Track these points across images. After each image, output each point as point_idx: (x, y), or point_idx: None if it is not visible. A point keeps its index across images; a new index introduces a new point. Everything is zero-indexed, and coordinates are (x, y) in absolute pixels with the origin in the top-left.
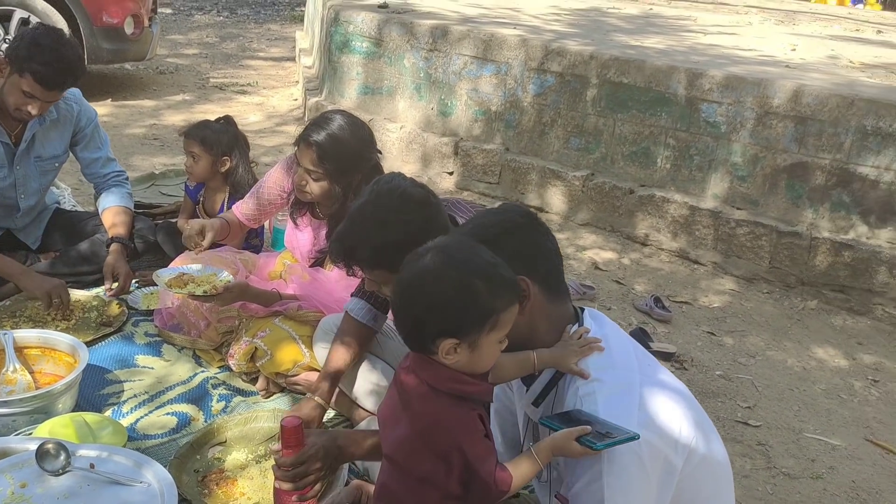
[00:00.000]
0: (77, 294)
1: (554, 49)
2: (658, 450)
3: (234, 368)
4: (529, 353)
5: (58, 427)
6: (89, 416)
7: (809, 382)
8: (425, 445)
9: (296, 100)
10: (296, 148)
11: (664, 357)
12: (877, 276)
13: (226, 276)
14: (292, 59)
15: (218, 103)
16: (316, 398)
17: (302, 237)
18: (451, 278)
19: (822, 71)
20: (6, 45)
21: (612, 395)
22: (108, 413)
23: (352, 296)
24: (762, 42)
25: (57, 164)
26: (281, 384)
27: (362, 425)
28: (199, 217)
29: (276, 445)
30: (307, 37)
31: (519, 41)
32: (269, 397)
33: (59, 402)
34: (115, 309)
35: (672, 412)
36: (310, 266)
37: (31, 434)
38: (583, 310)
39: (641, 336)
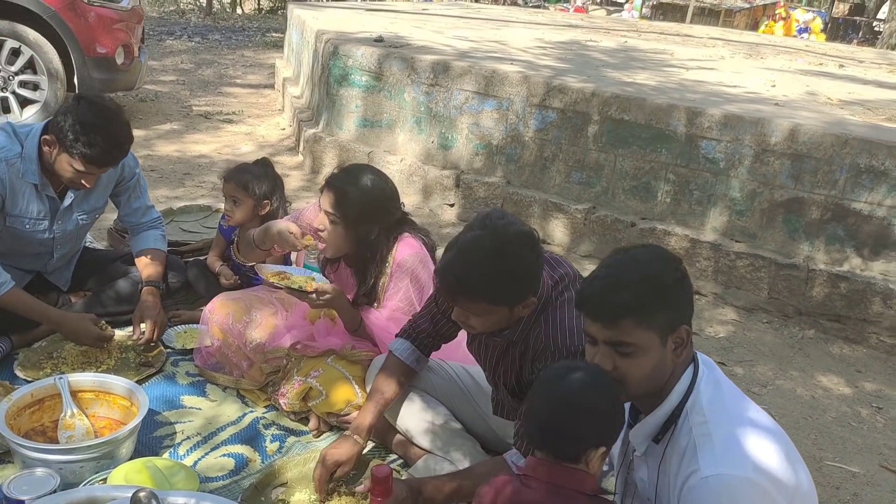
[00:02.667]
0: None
1: (555, 86)
2: (769, 494)
3: (284, 408)
4: None
5: (132, 473)
6: (159, 462)
7: (820, 411)
8: None
9: (283, 129)
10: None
11: None
12: (871, 306)
13: (322, 280)
14: (271, 87)
15: (207, 132)
16: (354, 437)
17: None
18: (607, 394)
19: (810, 109)
20: (52, 123)
21: (727, 438)
22: (166, 455)
23: (396, 336)
24: (741, 77)
25: (97, 215)
26: (332, 423)
27: (419, 464)
28: (231, 257)
29: (361, 487)
30: (290, 66)
31: (520, 78)
32: (319, 436)
33: (123, 447)
34: (154, 349)
35: (777, 455)
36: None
37: (104, 480)
38: (696, 353)
39: None
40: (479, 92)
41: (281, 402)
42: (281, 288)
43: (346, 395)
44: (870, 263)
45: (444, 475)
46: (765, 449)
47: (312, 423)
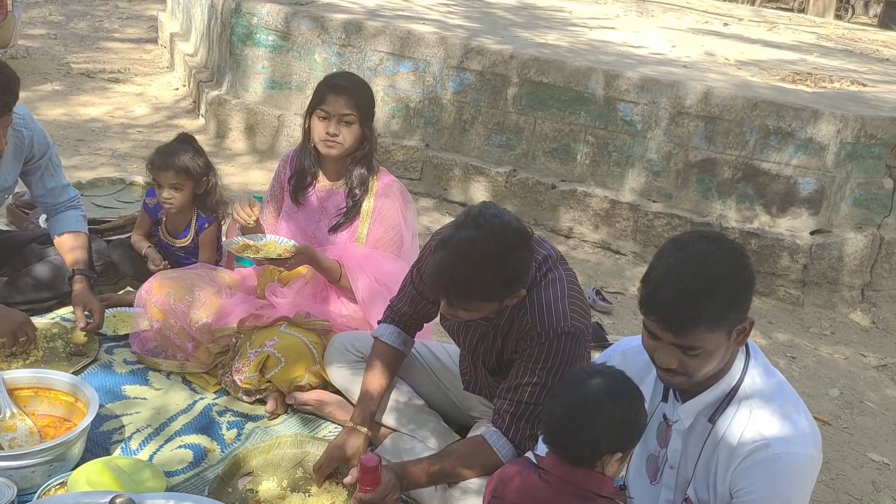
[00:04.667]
0: (35, 322)
1: (473, 48)
2: (818, 466)
3: (240, 384)
4: None
5: (94, 475)
6: (120, 461)
7: None
8: None
9: (176, 89)
10: (319, 105)
11: None
12: (780, 260)
13: (288, 242)
14: (153, 41)
15: (94, 94)
16: (359, 428)
17: (303, 215)
18: (625, 403)
19: (714, 70)
20: None
21: (789, 417)
22: (118, 451)
23: (379, 322)
24: (642, 37)
25: (6, 196)
26: (289, 403)
27: (387, 443)
28: (161, 238)
29: (349, 479)
30: (176, 19)
31: (437, 39)
32: (276, 419)
33: (75, 447)
34: (81, 336)
35: (814, 423)
36: (329, 232)
37: (63, 485)
38: None
39: (599, 331)
40: (394, 53)
41: (236, 378)
42: (260, 260)
43: (304, 360)
44: (777, 220)
45: (425, 458)
46: (811, 422)
47: (269, 405)
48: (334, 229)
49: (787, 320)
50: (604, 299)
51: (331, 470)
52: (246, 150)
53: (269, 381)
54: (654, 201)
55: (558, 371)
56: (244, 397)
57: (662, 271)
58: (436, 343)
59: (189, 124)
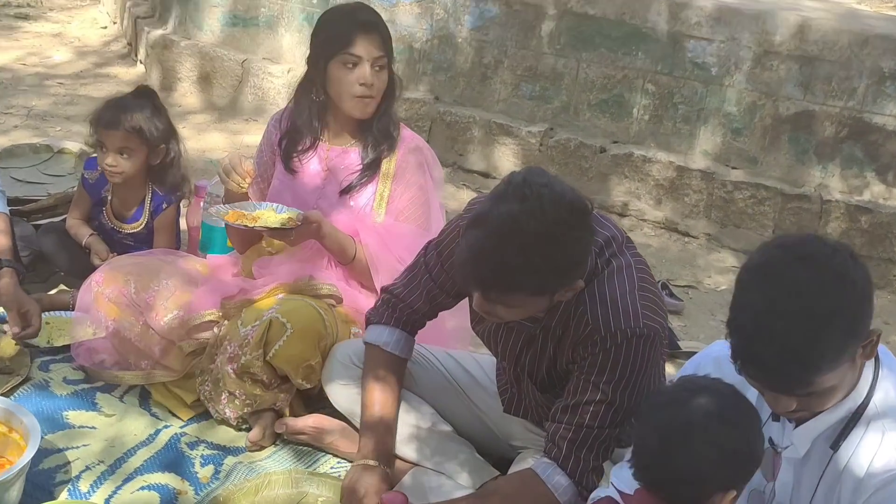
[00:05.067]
0: None
1: None
2: None
3: (233, 375)
4: None
5: None
6: None
7: None
8: None
9: (104, 28)
10: (345, 48)
11: None
12: None
13: (289, 210)
14: None
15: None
16: (372, 463)
17: (300, 184)
18: (739, 429)
19: None
20: None
21: None
22: (64, 494)
23: (370, 323)
24: None
25: None
26: (279, 432)
27: (406, 481)
28: (104, 222)
29: None
30: None
31: None
32: (259, 450)
33: (13, 490)
34: (9, 348)
35: None
36: (340, 194)
37: None
38: None
39: (670, 336)
40: None
41: (229, 369)
42: (260, 230)
43: (314, 328)
44: (894, 191)
45: (462, 498)
46: None
47: (254, 433)
48: (346, 191)
49: None
50: (672, 295)
51: None
52: (200, 107)
53: (271, 370)
54: (733, 168)
55: (629, 385)
56: (228, 412)
57: (752, 317)
58: (465, 354)
59: (124, 73)
